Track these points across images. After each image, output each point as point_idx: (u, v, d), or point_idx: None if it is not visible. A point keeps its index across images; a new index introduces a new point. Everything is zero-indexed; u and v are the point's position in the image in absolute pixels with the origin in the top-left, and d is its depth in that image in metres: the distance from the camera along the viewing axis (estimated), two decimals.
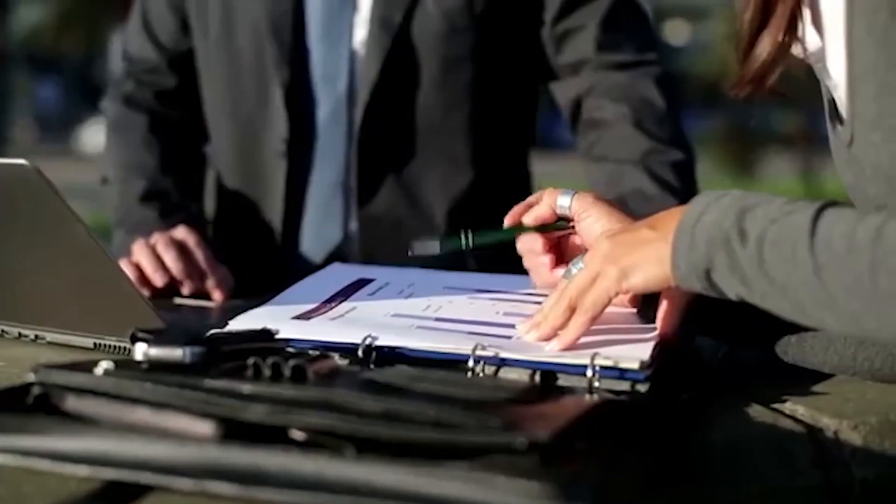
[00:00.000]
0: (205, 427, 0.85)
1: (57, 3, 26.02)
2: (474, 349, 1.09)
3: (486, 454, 0.80)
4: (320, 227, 1.91)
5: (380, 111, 1.87)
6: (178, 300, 1.63)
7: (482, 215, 1.91)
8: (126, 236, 1.79)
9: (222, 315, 1.39)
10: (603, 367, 1.06)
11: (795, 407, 1.08)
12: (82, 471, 0.84)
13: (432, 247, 1.32)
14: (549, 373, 1.09)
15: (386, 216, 1.90)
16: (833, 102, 1.20)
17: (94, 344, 1.26)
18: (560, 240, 1.32)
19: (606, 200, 1.29)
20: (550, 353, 1.11)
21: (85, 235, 1.20)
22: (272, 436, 0.84)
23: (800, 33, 1.19)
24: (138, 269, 1.65)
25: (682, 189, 1.82)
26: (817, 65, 1.20)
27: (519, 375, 1.09)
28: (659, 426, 0.99)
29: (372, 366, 1.11)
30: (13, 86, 22.66)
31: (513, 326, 1.19)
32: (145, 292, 1.62)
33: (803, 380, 1.16)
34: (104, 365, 0.93)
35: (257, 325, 1.12)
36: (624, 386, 1.06)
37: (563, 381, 1.08)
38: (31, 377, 0.92)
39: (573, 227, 1.29)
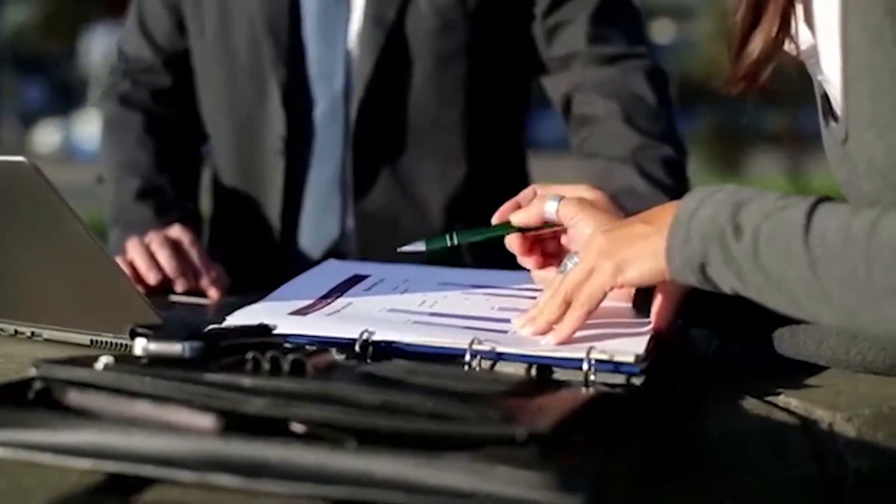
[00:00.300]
0: (205, 420, 0.85)
1: (43, 4, 25.98)
2: (471, 343, 1.10)
3: (485, 446, 0.81)
4: (318, 224, 1.92)
5: (374, 108, 1.88)
6: (172, 298, 1.64)
7: (478, 210, 1.92)
8: (122, 234, 1.80)
9: (217, 312, 1.39)
10: (598, 361, 1.06)
11: (789, 400, 1.09)
12: (84, 464, 0.84)
13: (418, 247, 1.33)
14: (544, 367, 1.10)
15: (382, 212, 1.90)
16: (826, 98, 1.21)
17: (91, 341, 1.26)
18: (548, 239, 1.33)
19: (593, 201, 1.29)
20: (546, 347, 1.12)
21: (82, 233, 1.20)
22: (272, 429, 0.84)
23: (792, 30, 1.19)
24: (132, 267, 1.66)
25: (673, 185, 1.83)
26: (810, 61, 1.21)
27: (515, 369, 1.10)
28: (654, 419, 1.00)
29: (369, 360, 1.12)
30: None
31: (508, 321, 1.20)
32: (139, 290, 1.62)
33: (796, 373, 1.16)
34: (104, 360, 0.94)
35: (254, 321, 1.12)
36: (619, 379, 1.07)
37: (559, 374, 1.09)
38: (32, 372, 0.92)
39: (561, 227, 1.30)
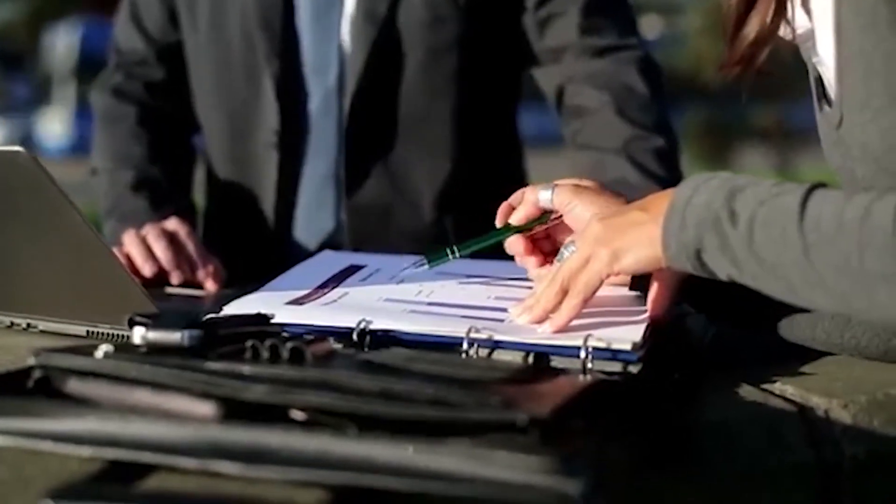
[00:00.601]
0: (206, 408, 0.85)
1: (30, 0, 25.92)
2: (468, 332, 1.10)
3: (484, 431, 0.81)
4: (312, 217, 1.92)
5: (367, 102, 1.88)
6: (169, 289, 1.64)
7: (469, 203, 1.93)
8: (117, 226, 1.80)
9: (214, 304, 1.39)
10: (596, 349, 1.07)
11: (785, 387, 1.09)
12: (85, 451, 0.84)
13: (422, 267, 1.33)
14: (542, 354, 1.10)
15: (374, 205, 1.91)
16: (820, 82, 1.22)
17: (87, 332, 1.26)
18: (548, 234, 1.33)
19: (587, 186, 1.29)
20: (543, 335, 1.12)
21: (80, 223, 1.20)
22: (272, 417, 0.84)
23: (788, 14, 1.20)
24: (128, 258, 1.66)
25: (665, 176, 1.83)
26: (805, 45, 1.22)
27: (512, 357, 1.11)
28: (651, 406, 1.00)
29: (366, 349, 1.12)
30: None
31: (505, 310, 1.20)
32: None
33: (792, 360, 1.17)
34: (104, 348, 0.94)
35: (251, 311, 1.12)
36: (616, 367, 1.07)
37: (556, 362, 1.10)
38: (31, 361, 0.93)
39: (559, 217, 1.30)
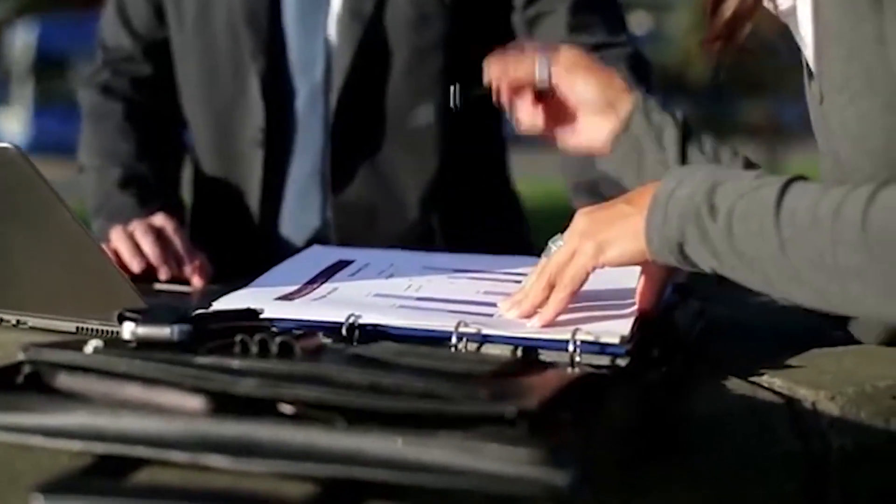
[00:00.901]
0: (195, 402, 0.86)
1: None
2: (457, 326, 1.11)
3: (473, 424, 0.81)
4: (298, 214, 1.92)
5: (353, 100, 1.88)
6: (157, 286, 1.64)
7: (455, 201, 1.94)
8: (105, 223, 1.80)
9: (201, 300, 1.39)
10: (584, 342, 1.07)
11: (773, 379, 1.10)
12: (76, 446, 0.84)
13: (427, 114, 1.33)
14: (530, 348, 1.11)
15: (360, 203, 1.91)
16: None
17: (77, 328, 1.26)
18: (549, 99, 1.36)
19: (584, 62, 1.32)
20: (532, 329, 1.13)
21: (69, 219, 1.20)
22: (261, 410, 0.85)
23: None
24: (116, 255, 1.66)
25: None
26: (788, 19, 1.22)
27: (501, 351, 1.11)
28: (640, 399, 1.01)
29: (355, 344, 1.12)
30: None
31: (493, 305, 1.20)
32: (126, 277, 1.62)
33: (779, 353, 1.18)
34: (94, 343, 0.94)
35: (241, 306, 1.13)
36: (604, 360, 1.08)
37: (545, 356, 1.10)
38: (21, 356, 0.93)
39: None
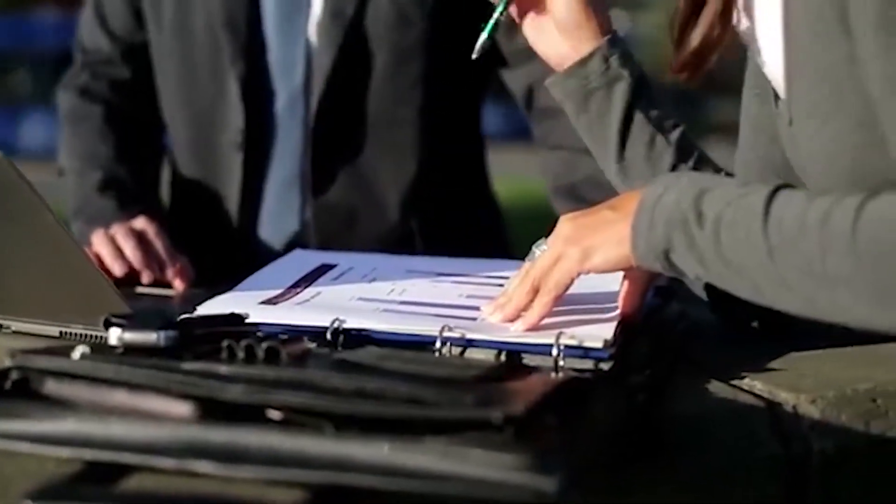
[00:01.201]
0: (183, 408, 0.86)
1: None
2: (441, 331, 1.11)
3: (459, 430, 0.82)
4: (278, 217, 1.92)
5: (334, 102, 1.88)
6: (139, 289, 1.64)
7: (435, 203, 1.94)
8: (85, 227, 1.79)
9: (183, 303, 1.40)
10: (567, 347, 1.08)
11: (754, 383, 1.11)
12: (63, 452, 0.85)
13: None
14: (514, 353, 1.11)
15: (340, 206, 1.91)
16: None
17: (61, 332, 1.25)
18: None
19: None
20: (515, 333, 1.13)
21: (54, 224, 1.20)
22: (248, 417, 0.85)
23: (734, 21, 1.21)
24: (98, 258, 1.66)
25: None
26: (747, 38, 1.23)
27: (485, 356, 1.11)
28: (624, 402, 1.01)
29: (340, 348, 1.13)
30: None
31: (477, 308, 1.21)
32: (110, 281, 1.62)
33: (760, 356, 1.19)
34: (81, 349, 0.94)
35: (225, 311, 1.13)
36: (588, 364, 1.08)
37: (529, 360, 1.10)
38: (8, 362, 0.93)
39: None
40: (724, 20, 1.21)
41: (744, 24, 1.22)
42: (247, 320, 1.10)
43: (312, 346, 1.11)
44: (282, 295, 1.28)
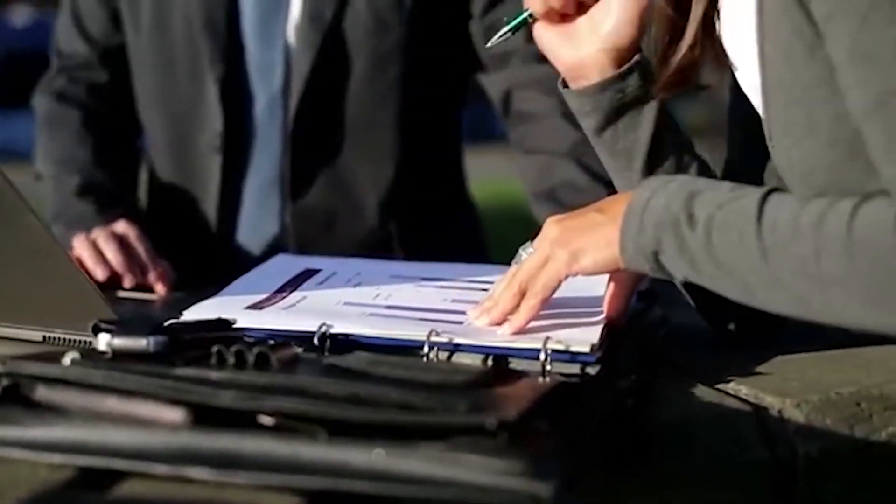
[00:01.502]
0: (175, 414, 0.86)
1: None
2: (429, 335, 1.11)
3: (452, 435, 0.82)
4: (257, 221, 1.92)
5: (312, 106, 1.88)
6: (120, 293, 1.63)
7: (414, 207, 1.94)
8: (65, 231, 1.78)
9: (165, 307, 1.39)
10: (555, 351, 1.08)
11: (739, 387, 1.11)
12: (55, 459, 0.84)
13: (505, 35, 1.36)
14: (501, 357, 1.11)
15: (318, 209, 1.91)
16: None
17: (44, 337, 1.25)
18: None
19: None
20: (502, 337, 1.13)
21: (39, 228, 1.20)
22: (241, 423, 0.85)
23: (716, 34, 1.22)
24: (79, 263, 1.65)
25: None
26: (733, 64, 1.24)
27: (472, 360, 1.11)
28: (611, 406, 1.02)
29: (327, 353, 1.13)
30: None
31: (463, 313, 1.21)
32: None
33: (744, 360, 1.19)
34: (71, 355, 0.94)
35: (211, 316, 1.13)
36: (575, 369, 1.08)
37: (515, 364, 1.11)
38: None
39: None
40: (705, 40, 1.21)
41: (725, 42, 1.22)
42: (234, 325, 1.10)
43: (300, 350, 1.11)
44: (267, 300, 1.28)
